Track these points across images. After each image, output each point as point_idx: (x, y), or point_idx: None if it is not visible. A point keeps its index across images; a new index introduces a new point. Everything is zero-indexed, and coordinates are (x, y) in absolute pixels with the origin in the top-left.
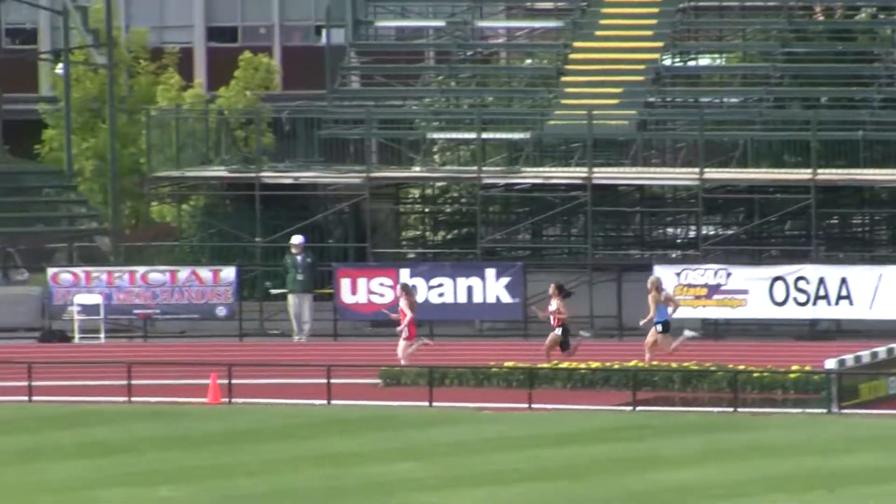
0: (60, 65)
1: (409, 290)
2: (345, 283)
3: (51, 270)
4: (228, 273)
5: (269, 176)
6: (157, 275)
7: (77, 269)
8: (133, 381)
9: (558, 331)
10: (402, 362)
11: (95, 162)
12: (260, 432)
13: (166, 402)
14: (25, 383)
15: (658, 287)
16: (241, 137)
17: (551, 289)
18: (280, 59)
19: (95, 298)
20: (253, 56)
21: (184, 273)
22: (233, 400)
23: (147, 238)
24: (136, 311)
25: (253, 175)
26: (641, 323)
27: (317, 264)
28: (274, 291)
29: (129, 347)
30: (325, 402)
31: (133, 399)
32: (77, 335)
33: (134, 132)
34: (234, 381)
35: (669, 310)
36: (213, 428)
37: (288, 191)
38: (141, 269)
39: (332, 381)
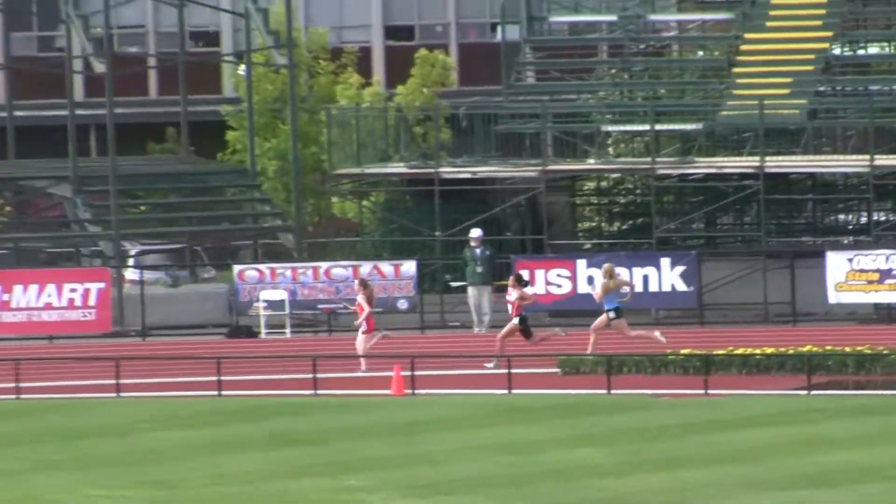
0: (242, 67)
1: (366, 285)
2: (523, 275)
3: (237, 268)
4: (409, 267)
5: (447, 171)
6: (340, 270)
7: (262, 266)
8: (318, 375)
9: (516, 320)
10: (360, 353)
11: (278, 161)
12: (442, 422)
13: (351, 394)
14: (215, 378)
15: (611, 274)
16: (419, 134)
17: (510, 280)
18: (456, 56)
19: (280, 294)
20: (429, 53)
21: (366, 268)
22: (416, 391)
23: (329, 234)
24: (319, 306)
25: (432, 170)
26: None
27: (495, 256)
28: (454, 284)
29: (314, 342)
30: (505, 391)
31: (319, 392)
32: (263, 330)
33: (315, 131)
34: (416, 373)
35: (627, 291)
36: (397, 418)
37: (466, 185)
38: (324, 265)
39: (512, 370)
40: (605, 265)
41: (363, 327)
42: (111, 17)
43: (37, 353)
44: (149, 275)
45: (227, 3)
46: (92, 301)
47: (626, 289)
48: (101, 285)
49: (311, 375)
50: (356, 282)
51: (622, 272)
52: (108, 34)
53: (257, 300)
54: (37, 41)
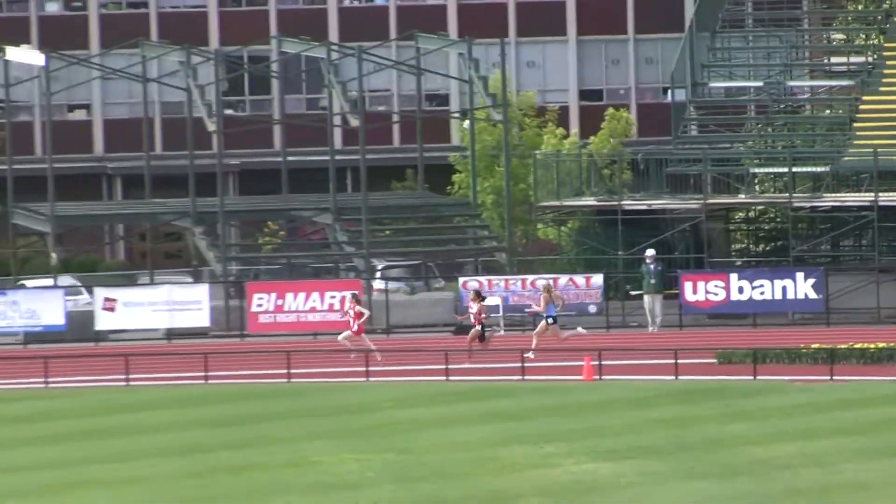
0: (466, 122)
1: (359, 301)
2: (687, 285)
3: (461, 279)
4: (597, 279)
5: (628, 203)
6: (543, 281)
7: (481, 278)
8: (526, 364)
9: (478, 327)
10: (339, 339)
11: (494, 196)
12: (623, 402)
13: (551, 379)
14: (443, 366)
15: (549, 290)
16: (606, 175)
17: (472, 295)
18: (635, 113)
19: (496, 300)
20: (615, 111)
21: (563, 280)
22: (602, 377)
23: (534, 253)
24: (526, 310)
25: (616, 203)
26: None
27: (665, 271)
28: (633, 292)
29: (522, 338)
30: (672, 377)
31: (526, 377)
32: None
33: (523, 172)
34: (603, 363)
35: (557, 307)
36: (587, 399)
37: (643, 215)
38: (530, 277)
39: (679, 361)
40: (544, 283)
41: (354, 328)
42: (364, 82)
43: (304, 346)
44: (392, 285)
45: (454, 71)
46: (347, 306)
47: (559, 302)
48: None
49: (519, 364)
50: (350, 297)
51: (765, 284)
52: (361, 96)
53: None
54: (305, 102)
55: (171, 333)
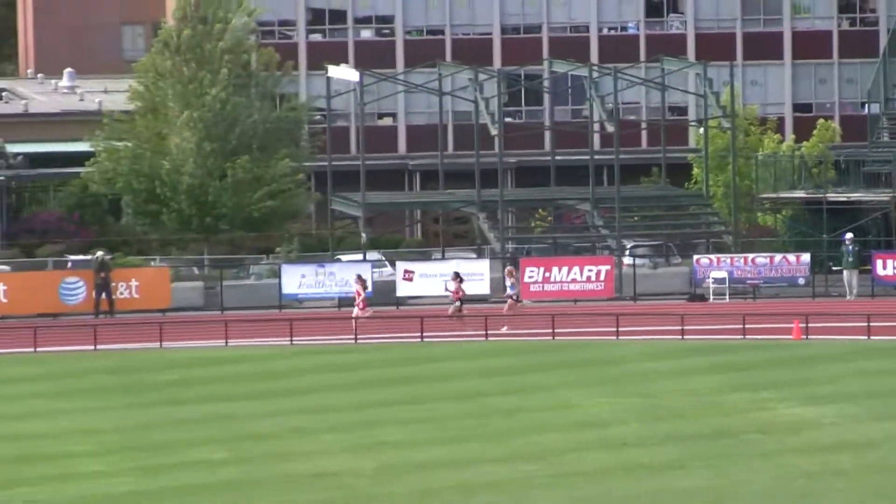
0: (701, 129)
1: (363, 281)
2: (879, 263)
3: (695, 256)
4: (805, 257)
5: (832, 196)
6: (761, 259)
7: (711, 256)
8: (747, 325)
9: (458, 303)
10: (355, 315)
11: (722, 189)
12: (825, 357)
13: (767, 339)
14: (679, 327)
15: (512, 273)
16: (815, 173)
17: (452, 275)
18: (839, 122)
19: (723, 274)
20: (823, 122)
21: (777, 258)
22: (808, 337)
23: (755, 235)
24: (748, 282)
25: (822, 195)
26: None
27: (861, 251)
28: (834, 268)
29: (745, 305)
30: (866, 337)
31: (746, 337)
32: (711, 297)
33: (747, 170)
34: (809, 325)
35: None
36: (796, 354)
37: (843, 205)
38: (751, 255)
39: (871, 324)
40: (509, 267)
41: (360, 306)
42: (618, 96)
43: (566, 311)
44: (638, 261)
45: (692, 87)
46: (602, 277)
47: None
48: (608, 267)
49: (740, 325)
50: (356, 277)
51: None
52: (616, 107)
53: (708, 278)
54: (570, 112)
55: None
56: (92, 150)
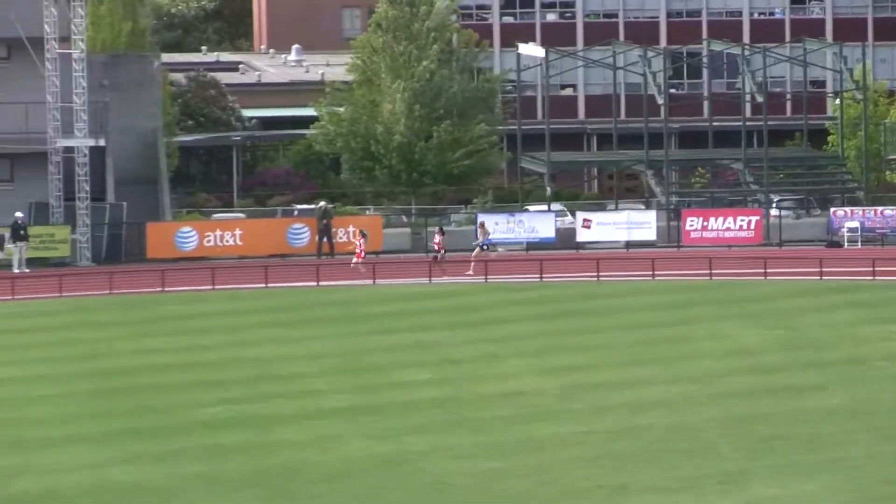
0: (837, 100)
1: (364, 235)
2: (443, 227)
3: (832, 209)
4: None
5: None
6: (889, 211)
7: (846, 208)
8: (876, 268)
9: (442, 252)
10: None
11: (855, 151)
12: None
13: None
14: (818, 269)
15: (483, 226)
16: None
17: (436, 229)
18: None
19: (855, 224)
20: None
21: (890, 210)
22: None
23: (883, 191)
24: (877, 231)
25: None
26: (474, 244)
27: None
28: None
29: (873, 250)
30: None
31: (876, 278)
32: (846, 244)
33: (876, 135)
34: None
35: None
36: None
37: None
38: (880, 208)
39: None
40: (480, 220)
41: (360, 255)
42: (766, 71)
43: (721, 255)
44: (783, 212)
45: (829, 64)
46: (752, 226)
47: (487, 235)
48: (757, 218)
49: (871, 268)
50: (358, 232)
51: None
52: (764, 81)
53: (843, 228)
54: (725, 84)
55: (629, 244)
56: (315, 114)
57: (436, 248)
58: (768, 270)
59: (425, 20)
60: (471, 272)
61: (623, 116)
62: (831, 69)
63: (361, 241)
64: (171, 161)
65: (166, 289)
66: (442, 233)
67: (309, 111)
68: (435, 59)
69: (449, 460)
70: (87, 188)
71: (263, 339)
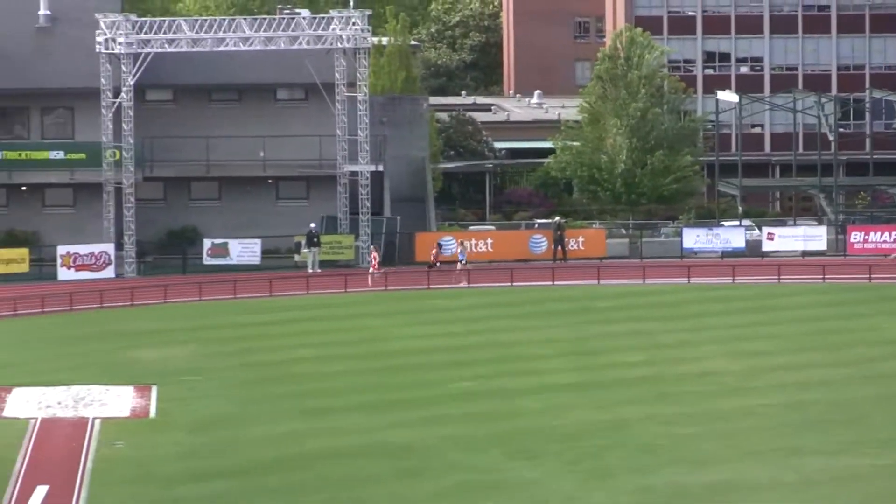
0: None
1: (378, 249)
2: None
3: None
4: None
5: None
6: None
7: None
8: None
9: (437, 265)
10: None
11: None
12: None
13: None
14: None
15: (463, 244)
16: None
17: (436, 244)
18: None
19: None
20: None
21: None
22: None
23: None
24: None
25: None
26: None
27: None
28: None
29: None
30: None
31: None
32: None
33: None
34: None
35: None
36: None
37: None
38: None
39: None
40: (462, 242)
41: (374, 267)
42: None
43: (880, 262)
44: None
45: None
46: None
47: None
48: None
49: None
50: (373, 247)
51: None
52: None
53: None
54: (883, 125)
55: (804, 253)
56: (552, 147)
57: (433, 258)
58: None
59: (636, 70)
60: (463, 283)
61: (801, 150)
62: None
63: (375, 254)
64: (435, 183)
65: (431, 286)
66: (440, 247)
67: (547, 144)
68: (647, 101)
69: (655, 426)
70: (368, 204)
71: (508, 328)
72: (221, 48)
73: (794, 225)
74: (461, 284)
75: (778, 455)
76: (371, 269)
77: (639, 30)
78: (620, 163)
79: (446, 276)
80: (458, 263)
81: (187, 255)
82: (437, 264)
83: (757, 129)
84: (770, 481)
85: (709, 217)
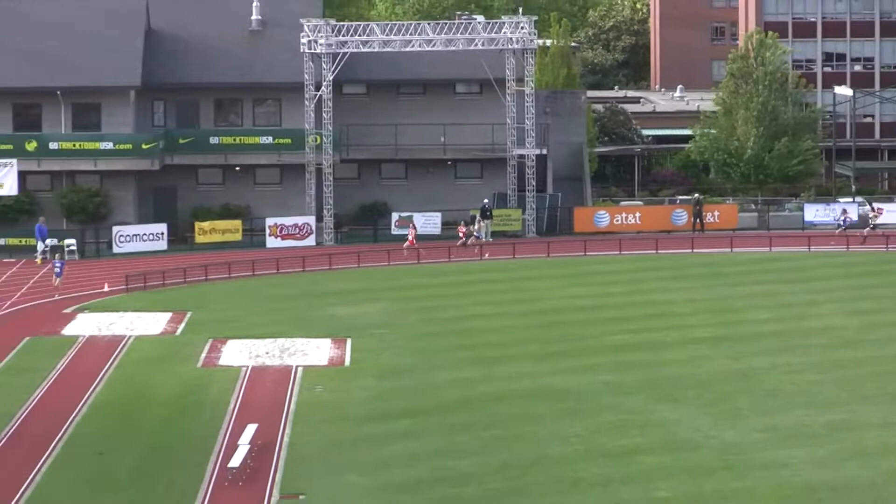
0: None
1: (413, 225)
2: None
3: None
4: None
5: None
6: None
7: None
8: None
9: (465, 238)
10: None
11: None
12: None
13: None
14: None
15: (480, 222)
16: None
17: (478, 214)
18: None
19: None
20: None
21: None
22: None
23: None
24: None
25: None
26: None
27: None
28: None
29: None
30: None
31: None
32: None
33: None
34: None
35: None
36: None
37: None
38: None
39: None
40: (478, 218)
41: (411, 242)
42: None
43: None
44: None
45: None
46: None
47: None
48: None
49: None
50: (411, 224)
51: None
52: None
53: None
54: None
55: None
56: (692, 134)
57: (461, 234)
58: None
59: (762, 67)
60: (487, 255)
61: None
62: None
63: (413, 231)
64: (591, 165)
65: (588, 253)
66: (474, 221)
67: (687, 131)
68: (771, 95)
69: (782, 374)
70: (533, 183)
71: (654, 289)
72: (408, 48)
73: None
74: (486, 257)
75: (888, 399)
76: (407, 244)
77: (767, 33)
78: (748, 148)
79: (476, 251)
80: (475, 238)
81: (377, 227)
82: (465, 239)
83: (868, 119)
84: (881, 421)
85: (826, 195)
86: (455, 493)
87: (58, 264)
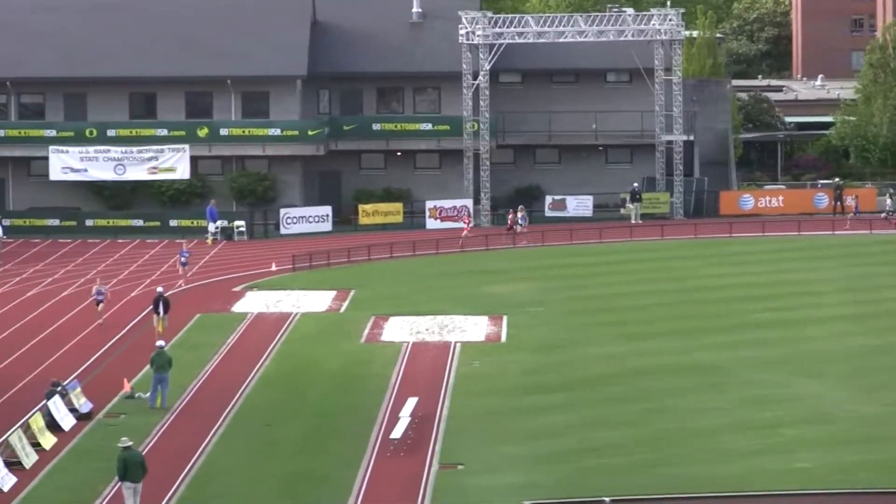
0: None
1: (469, 213)
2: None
3: None
4: None
5: None
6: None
7: None
8: None
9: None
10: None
11: None
12: None
13: None
14: None
15: (523, 211)
16: None
17: (520, 207)
18: None
19: None
20: None
21: None
22: None
23: None
24: None
25: None
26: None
27: None
28: None
29: None
30: None
31: None
32: None
33: None
34: None
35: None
36: None
37: None
38: None
39: None
40: (521, 208)
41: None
42: None
43: None
44: None
45: None
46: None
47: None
48: None
49: None
50: (464, 211)
51: None
52: None
53: None
54: None
55: None
56: (833, 121)
57: (510, 223)
58: None
59: None
60: (525, 242)
61: None
62: None
63: (469, 219)
64: (736, 150)
65: (733, 234)
66: (515, 212)
67: (828, 118)
68: None
69: None
70: (681, 167)
71: (795, 269)
72: (561, 39)
73: None
74: (523, 243)
75: None
76: (464, 233)
77: None
78: (881, 136)
79: (526, 237)
80: (519, 227)
81: (532, 209)
82: (513, 228)
83: None
84: None
85: None
86: (606, 463)
87: (184, 254)
